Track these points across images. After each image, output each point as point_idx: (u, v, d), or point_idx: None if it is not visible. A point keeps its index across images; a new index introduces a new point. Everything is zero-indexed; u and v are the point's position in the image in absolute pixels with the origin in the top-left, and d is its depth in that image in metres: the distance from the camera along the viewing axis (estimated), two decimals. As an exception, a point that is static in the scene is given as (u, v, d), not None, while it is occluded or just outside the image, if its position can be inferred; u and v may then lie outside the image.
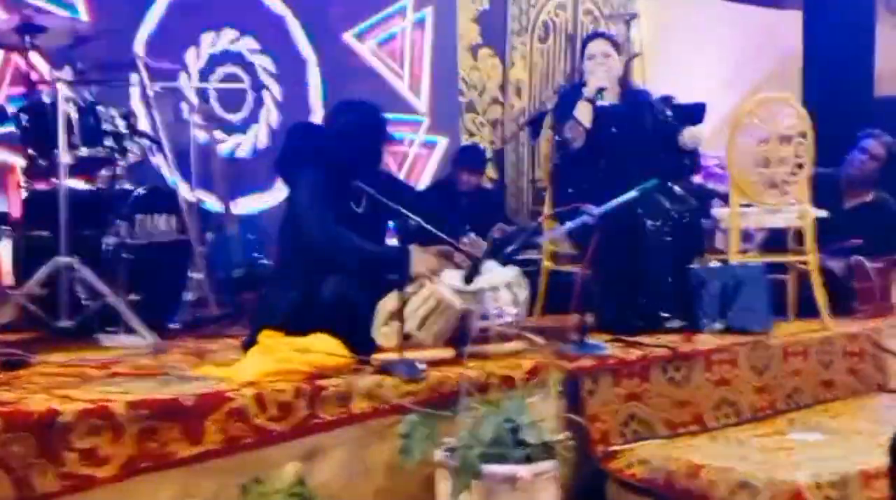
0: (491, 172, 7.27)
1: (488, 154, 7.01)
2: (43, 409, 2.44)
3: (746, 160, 4.14)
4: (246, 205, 5.72)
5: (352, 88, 5.71)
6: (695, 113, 6.11)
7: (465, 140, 6.96)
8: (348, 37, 6.48)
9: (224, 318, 4.29)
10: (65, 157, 3.52)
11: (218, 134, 5.33)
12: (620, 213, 3.58)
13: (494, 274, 3.35)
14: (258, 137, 5.97)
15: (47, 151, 3.65)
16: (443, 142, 6.88)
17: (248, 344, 3.29)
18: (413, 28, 6.97)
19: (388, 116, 3.78)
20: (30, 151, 3.70)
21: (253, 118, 5.97)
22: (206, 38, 5.75)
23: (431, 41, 7.09)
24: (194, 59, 5.68)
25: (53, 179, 3.66)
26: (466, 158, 6.24)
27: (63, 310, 3.48)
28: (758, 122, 4.12)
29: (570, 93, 4.39)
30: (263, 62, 6.01)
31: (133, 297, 3.76)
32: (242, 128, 5.93)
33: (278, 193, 5.77)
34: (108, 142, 3.80)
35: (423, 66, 7.01)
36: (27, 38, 3.65)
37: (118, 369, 3.12)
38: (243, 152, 5.88)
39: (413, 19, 6.93)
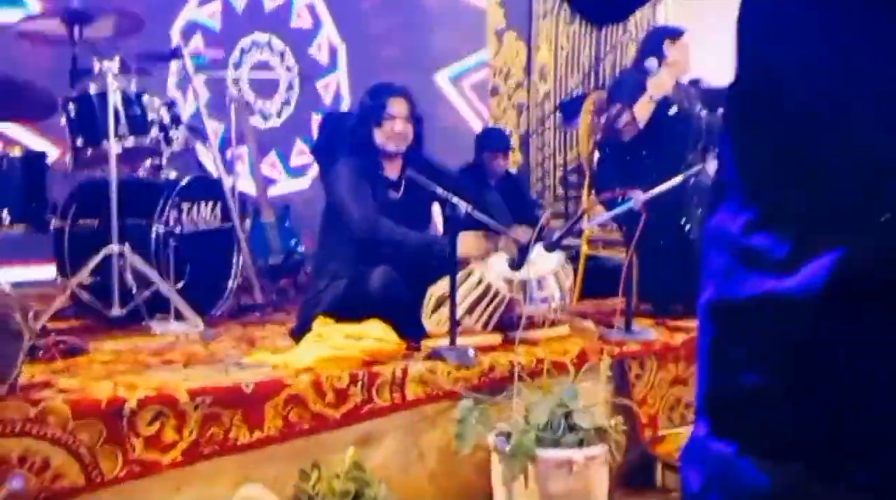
0: (517, 156, 7.27)
1: (514, 139, 7.00)
2: (109, 396, 2.50)
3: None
4: (279, 189, 5.79)
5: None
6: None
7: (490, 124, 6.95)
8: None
9: (267, 305, 4.33)
10: (113, 147, 3.56)
11: (253, 120, 5.39)
12: (666, 197, 3.59)
13: (541, 261, 3.37)
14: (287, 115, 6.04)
15: (95, 141, 3.69)
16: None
17: (299, 331, 3.33)
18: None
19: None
20: (77, 141, 3.73)
21: (287, 104, 6.03)
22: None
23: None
24: (229, 47, 5.74)
25: (101, 169, 3.70)
26: (492, 141, 5.93)
27: (114, 298, 3.53)
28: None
29: (631, 79, 4.35)
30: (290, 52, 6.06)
31: (179, 284, 3.81)
32: (277, 115, 5.99)
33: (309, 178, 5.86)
34: (154, 131, 3.83)
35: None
36: (75, 30, 3.69)
37: (173, 356, 3.17)
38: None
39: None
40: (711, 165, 4.33)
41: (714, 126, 4.62)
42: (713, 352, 0.68)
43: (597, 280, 4.46)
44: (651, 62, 4.20)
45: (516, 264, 3.28)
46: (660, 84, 4.15)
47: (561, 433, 2.77)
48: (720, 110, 5.64)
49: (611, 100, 4.33)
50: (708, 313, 0.67)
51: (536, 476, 2.74)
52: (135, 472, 2.48)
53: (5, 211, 3.50)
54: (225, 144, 4.78)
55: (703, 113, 4.62)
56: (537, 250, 3.34)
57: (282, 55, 6.00)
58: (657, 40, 4.36)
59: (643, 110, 4.12)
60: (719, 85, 6.08)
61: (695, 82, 5.08)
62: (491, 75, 7.25)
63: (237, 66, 5.68)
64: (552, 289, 3.41)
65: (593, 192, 4.48)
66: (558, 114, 6.97)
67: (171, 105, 4.04)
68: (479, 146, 5.91)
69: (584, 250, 4.64)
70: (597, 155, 4.62)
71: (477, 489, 2.93)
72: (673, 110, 4.25)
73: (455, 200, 3.16)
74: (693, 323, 3.70)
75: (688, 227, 4.01)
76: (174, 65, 4.31)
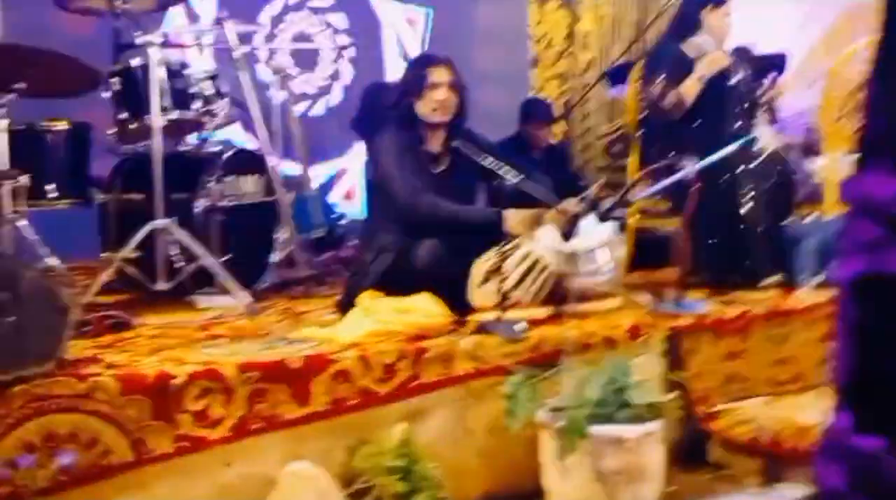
0: (558, 126, 7.15)
1: (557, 109, 6.88)
2: (157, 372, 2.48)
3: (841, 111, 4.03)
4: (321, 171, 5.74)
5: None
6: (775, 63, 5.95)
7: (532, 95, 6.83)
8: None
9: (310, 279, 4.30)
10: (157, 120, 3.53)
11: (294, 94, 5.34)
12: (716, 168, 3.50)
13: (592, 232, 3.30)
14: (331, 94, 5.97)
15: (139, 115, 3.66)
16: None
17: (345, 305, 3.29)
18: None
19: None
20: (121, 114, 3.72)
21: (330, 77, 5.97)
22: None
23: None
24: (269, 18, 5.69)
25: (145, 143, 3.68)
26: (534, 111, 5.89)
27: (160, 272, 3.51)
28: (851, 72, 4.00)
29: (669, 51, 4.21)
30: (336, 20, 5.99)
31: (223, 258, 3.79)
32: (318, 88, 5.94)
33: (354, 157, 5.79)
34: (197, 104, 3.80)
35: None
36: (116, 3, 3.66)
37: (220, 330, 3.15)
38: (318, 111, 5.89)
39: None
40: (761, 132, 4.21)
41: (764, 94, 4.50)
42: (860, 333, 0.60)
43: (647, 252, 4.37)
44: (705, 39, 4.09)
45: (565, 235, 3.21)
46: (714, 61, 4.03)
47: (614, 409, 2.70)
48: (769, 78, 5.53)
49: (649, 73, 4.21)
50: (854, 288, 0.59)
51: (588, 453, 2.67)
52: (183, 448, 2.47)
53: (51, 185, 3.49)
54: (268, 117, 4.73)
55: (753, 81, 4.50)
56: (587, 222, 3.27)
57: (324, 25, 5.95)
58: (694, 6, 4.22)
59: (692, 90, 4.00)
60: (768, 52, 5.95)
61: (744, 50, 4.94)
62: (532, 45, 7.13)
63: (273, 37, 5.65)
64: (602, 261, 3.33)
65: (642, 162, 4.38)
66: (603, 83, 6.83)
67: (213, 78, 4.00)
68: (522, 117, 5.82)
69: (634, 221, 4.54)
70: (644, 125, 4.51)
71: (526, 466, 2.87)
72: (724, 79, 4.13)
73: (503, 170, 3.09)
74: (747, 296, 3.63)
75: (739, 197, 3.91)
76: (214, 37, 4.26)
